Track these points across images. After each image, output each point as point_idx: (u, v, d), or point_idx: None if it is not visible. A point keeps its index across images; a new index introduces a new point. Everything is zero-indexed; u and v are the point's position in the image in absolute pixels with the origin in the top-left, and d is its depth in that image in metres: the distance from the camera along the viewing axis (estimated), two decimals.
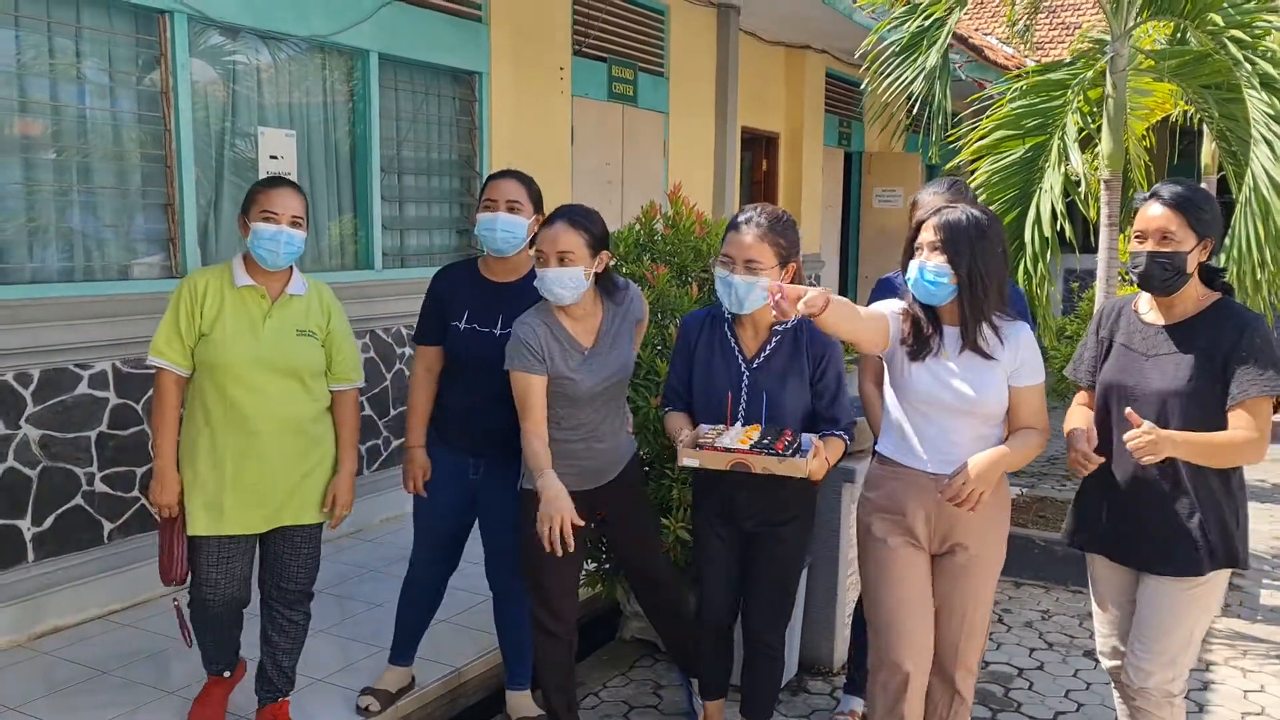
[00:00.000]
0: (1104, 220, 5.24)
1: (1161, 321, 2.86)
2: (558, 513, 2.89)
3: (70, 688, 3.75)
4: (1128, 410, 2.65)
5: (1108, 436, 2.90)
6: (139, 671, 3.88)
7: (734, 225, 2.99)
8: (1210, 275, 2.85)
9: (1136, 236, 2.81)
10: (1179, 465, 2.78)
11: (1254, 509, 6.60)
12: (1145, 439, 2.59)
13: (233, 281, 3.09)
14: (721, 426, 2.98)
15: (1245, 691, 4.12)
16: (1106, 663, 3.11)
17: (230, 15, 4.84)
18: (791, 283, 2.98)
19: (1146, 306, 2.91)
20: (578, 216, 3.08)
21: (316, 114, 5.48)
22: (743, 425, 2.97)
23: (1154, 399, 2.79)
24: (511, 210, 3.31)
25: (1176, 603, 2.81)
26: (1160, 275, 2.76)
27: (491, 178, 3.42)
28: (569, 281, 3.02)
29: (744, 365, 3.05)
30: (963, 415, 2.77)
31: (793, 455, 2.82)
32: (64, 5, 4.30)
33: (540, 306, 3.14)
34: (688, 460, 2.85)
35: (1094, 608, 3.12)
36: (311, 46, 5.37)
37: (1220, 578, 2.84)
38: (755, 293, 2.92)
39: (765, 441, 2.84)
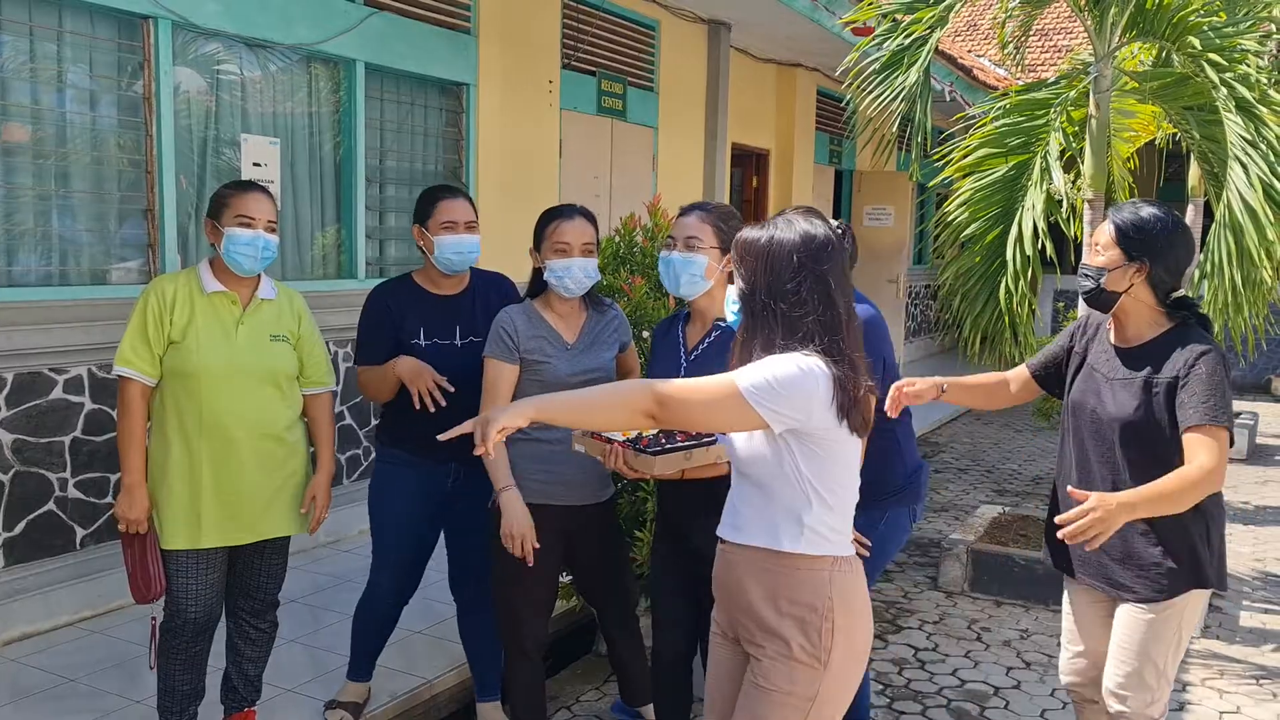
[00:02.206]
0: (1086, 240, 5.25)
1: (1117, 344, 2.85)
2: (519, 531, 3.00)
3: (37, 695, 3.71)
4: (1069, 489, 2.47)
5: (1070, 456, 2.92)
6: (107, 680, 3.84)
7: (680, 213, 3.04)
8: (1178, 305, 2.80)
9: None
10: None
11: (1237, 530, 6.66)
12: (1087, 523, 2.39)
13: (201, 287, 3.04)
14: None
15: (1221, 713, 4.10)
16: (1064, 679, 3.11)
17: (214, 22, 4.84)
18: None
19: (1112, 328, 2.90)
20: (588, 212, 3.17)
21: (301, 122, 5.48)
22: None
23: (1109, 424, 2.79)
24: (470, 230, 3.37)
25: (1145, 628, 2.79)
26: (1084, 286, 2.80)
27: (442, 199, 3.38)
28: (592, 271, 3.12)
29: (683, 357, 3.04)
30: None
31: (660, 454, 2.68)
32: (46, 10, 4.30)
33: (526, 303, 3.19)
34: (576, 446, 2.82)
35: (1063, 623, 3.12)
36: (297, 55, 5.37)
37: (1192, 600, 2.80)
38: (693, 269, 2.91)
39: (635, 436, 2.74)
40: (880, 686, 4.25)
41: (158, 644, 3.16)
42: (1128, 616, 2.82)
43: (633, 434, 2.78)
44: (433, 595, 4.69)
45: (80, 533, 4.40)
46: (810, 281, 2.18)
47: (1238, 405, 10.92)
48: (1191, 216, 9.12)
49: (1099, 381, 2.84)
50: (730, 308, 2.36)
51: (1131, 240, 2.73)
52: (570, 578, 4.04)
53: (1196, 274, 4.86)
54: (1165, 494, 2.53)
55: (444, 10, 6.15)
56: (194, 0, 4.72)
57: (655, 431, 2.82)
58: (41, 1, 4.27)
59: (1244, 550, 6.32)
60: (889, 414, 2.93)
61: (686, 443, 2.73)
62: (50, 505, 4.29)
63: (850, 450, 2.24)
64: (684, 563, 3.09)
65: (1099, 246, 2.78)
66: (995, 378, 3.14)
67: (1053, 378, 3.06)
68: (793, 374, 2.10)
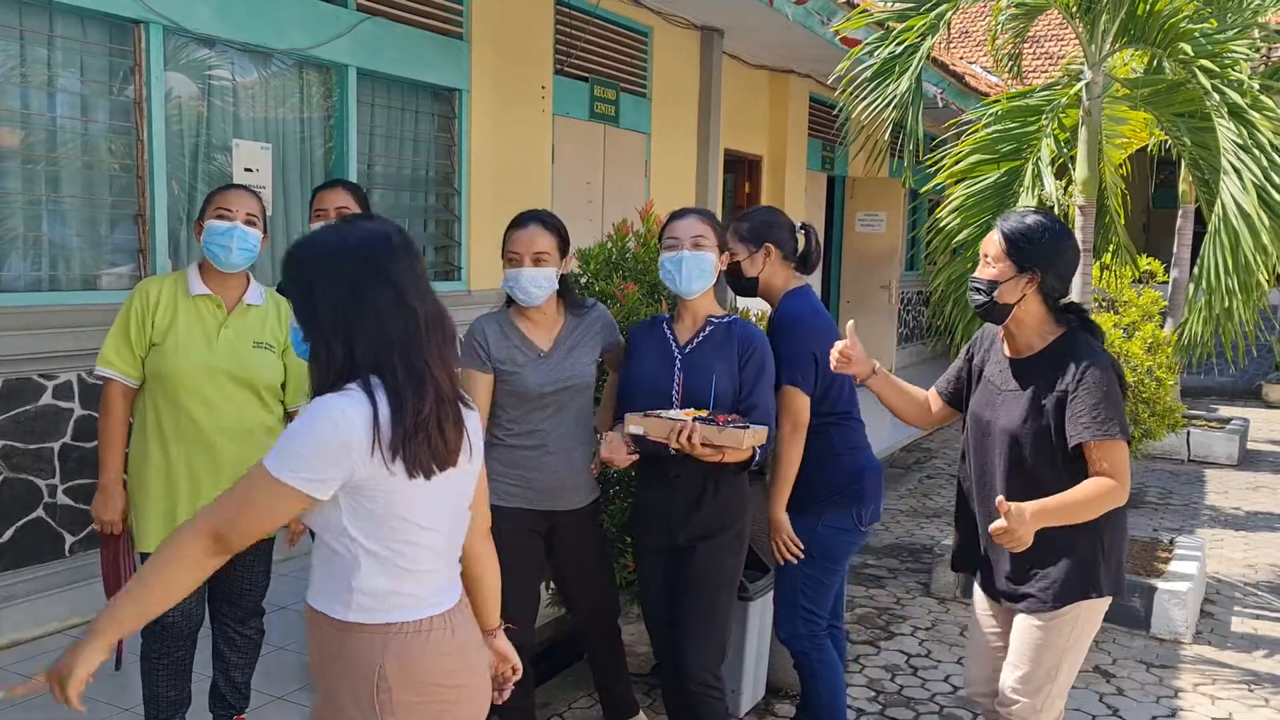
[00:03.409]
0: (1079, 246, 5.27)
1: (1009, 355, 2.84)
2: None
3: (26, 704, 3.67)
4: (998, 499, 2.50)
5: (969, 465, 2.93)
6: (96, 689, 3.77)
7: (674, 216, 3.11)
8: (1065, 308, 2.80)
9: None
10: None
11: (1228, 536, 6.68)
12: (1002, 533, 2.47)
13: (187, 290, 3.03)
14: (661, 410, 2.97)
15: (1213, 719, 4.10)
16: (966, 690, 3.11)
17: (206, 27, 4.82)
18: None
19: (1003, 340, 2.88)
20: (547, 218, 3.15)
21: (293, 128, 5.46)
22: (679, 408, 2.98)
23: (1001, 436, 2.78)
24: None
25: (1036, 635, 2.80)
26: (973, 299, 2.78)
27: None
28: (543, 281, 3.08)
29: (676, 351, 3.07)
30: None
31: (742, 428, 2.82)
32: (37, 14, 4.28)
33: (499, 309, 3.21)
34: (633, 428, 2.85)
35: (969, 633, 3.14)
36: (289, 60, 5.36)
37: (1085, 609, 2.79)
38: (705, 265, 3.00)
39: (708, 416, 2.86)
40: (873, 693, 4.24)
41: (140, 649, 3.14)
42: (1022, 625, 2.83)
43: (697, 413, 2.85)
44: None
45: (69, 539, 4.37)
46: (374, 291, 1.81)
47: (1230, 411, 10.96)
48: (1181, 222, 9.17)
49: (993, 393, 2.84)
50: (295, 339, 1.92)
51: (1021, 250, 2.69)
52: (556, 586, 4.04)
53: (1192, 287, 4.87)
54: (1074, 503, 2.57)
55: (436, 15, 6.15)
56: (185, 5, 4.70)
57: (709, 413, 2.88)
58: (32, 5, 4.25)
59: (1235, 555, 6.33)
60: (831, 368, 2.98)
61: (740, 421, 2.83)
62: (39, 512, 4.26)
63: (415, 497, 1.86)
64: (671, 564, 3.09)
65: (989, 258, 2.74)
66: (918, 392, 3.13)
67: (959, 396, 3.07)
68: (316, 429, 1.77)
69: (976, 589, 3.02)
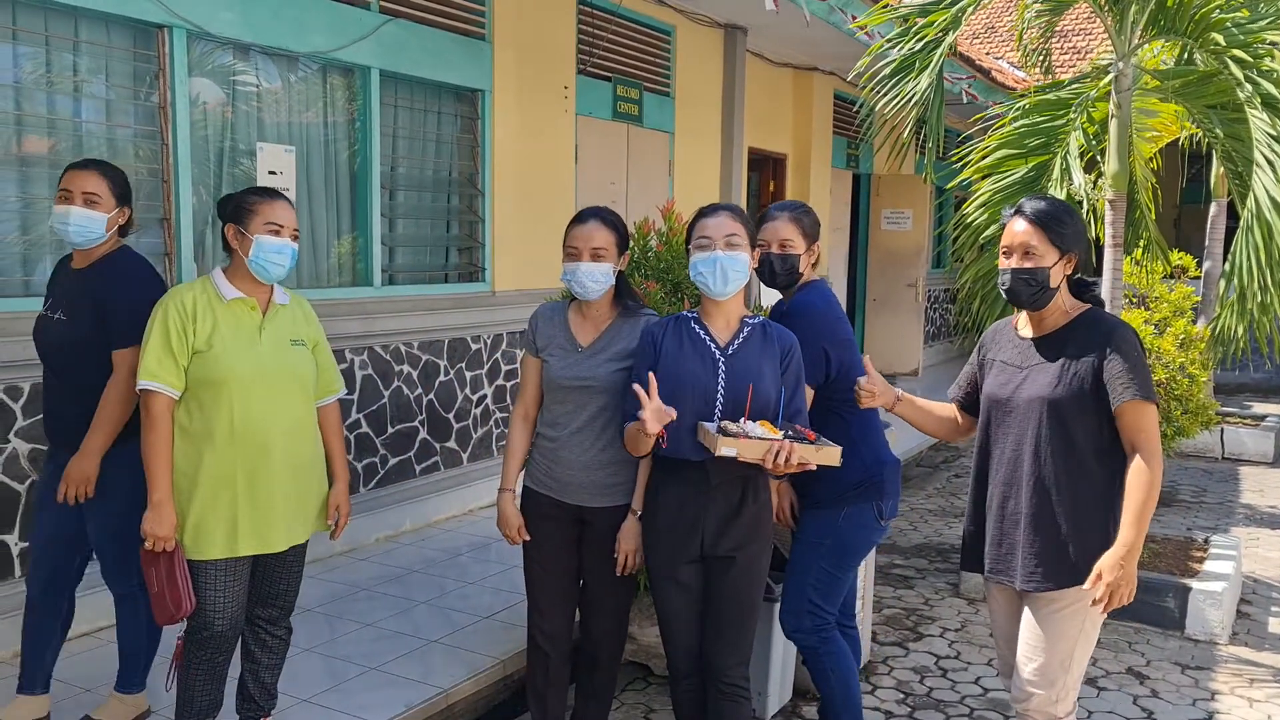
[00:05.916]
0: (1109, 241, 5.19)
1: (1033, 334, 2.91)
2: (503, 529, 3.28)
3: (56, 706, 3.70)
4: (1094, 573, 2.67)
5: (988, 451, 2.97)
6: None
7: (704, 214, 3.05)
8: (1081, 288, 2.90)
9: (1003, 252, 2.87)
10: (1049, 483, 2.80)
11: (1264, 535, 6.56)
12: (1106, 592, 2.66)
13: (219, 295, 3.03)
14: (731, 423, 2.85)
15: None
16: (1005, 682, 3.12)
17: (230, 31, 4.84)
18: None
19: (1023, 322, 2.97)
20: (607, 215, 3.20)
21: (316, 130, 5.48)
22: (746, 419, 2.85)
23: (1025, 407, 2.84)
24: (89, 204, 3.20)
25: (1050, 622, 2.83)
26: (1025, 291, 2.81)
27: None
28: (600, 276, 3.12)
29: (718, 353, 2.97)
30: None
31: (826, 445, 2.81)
32: (62, 20, 4.31)
33: (562, 301, 3.30)
34: (725, 450, 2.73)
35: (992, 629, 3.16)
36: (312, 63, 5.37)
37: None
38: (739, 266, 2.95)
39: (792, 434, 2.80)
40: (901, 695, 4.19)
41: (185, 660, 3.12)
42: (1032, 610, 2.86)
43: (783, 431, 2.81)
44: (450, 604, 4.67)
45: None
46: None
47: (1265, 408, 10.80)
48: (1214, 216, 9.05)
49: (1012, 373, 2.91)
50: None
51: (1058, 234, 2.79)
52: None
53: (1223, 283, 4.78)
54: (1139, 510, 2.67)
55: (459, 16, 6.15)
56: (209, 9, 4.72)
57: (787, 427, 2.85)
58: (57, 11, 4.28)
59: (1272, 555, 6.22)
60: (859, 405, 3.06)
61: (821, 438, 2.85)
62: None
63: None
64: (695, 575, 3.02)
65: (1031, 249, 2.78)
66: (945, 408, 3.20)
67: (974, 398, 3.12)
68: None
69: (992, 584, 3.01)
